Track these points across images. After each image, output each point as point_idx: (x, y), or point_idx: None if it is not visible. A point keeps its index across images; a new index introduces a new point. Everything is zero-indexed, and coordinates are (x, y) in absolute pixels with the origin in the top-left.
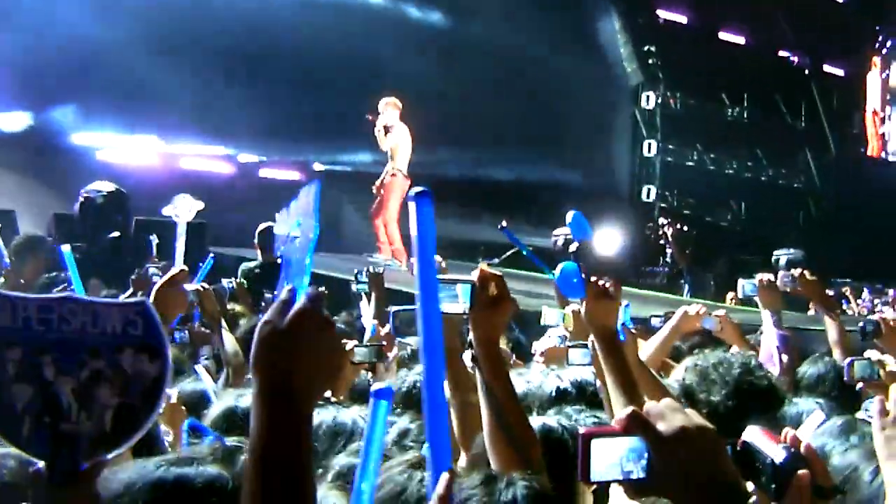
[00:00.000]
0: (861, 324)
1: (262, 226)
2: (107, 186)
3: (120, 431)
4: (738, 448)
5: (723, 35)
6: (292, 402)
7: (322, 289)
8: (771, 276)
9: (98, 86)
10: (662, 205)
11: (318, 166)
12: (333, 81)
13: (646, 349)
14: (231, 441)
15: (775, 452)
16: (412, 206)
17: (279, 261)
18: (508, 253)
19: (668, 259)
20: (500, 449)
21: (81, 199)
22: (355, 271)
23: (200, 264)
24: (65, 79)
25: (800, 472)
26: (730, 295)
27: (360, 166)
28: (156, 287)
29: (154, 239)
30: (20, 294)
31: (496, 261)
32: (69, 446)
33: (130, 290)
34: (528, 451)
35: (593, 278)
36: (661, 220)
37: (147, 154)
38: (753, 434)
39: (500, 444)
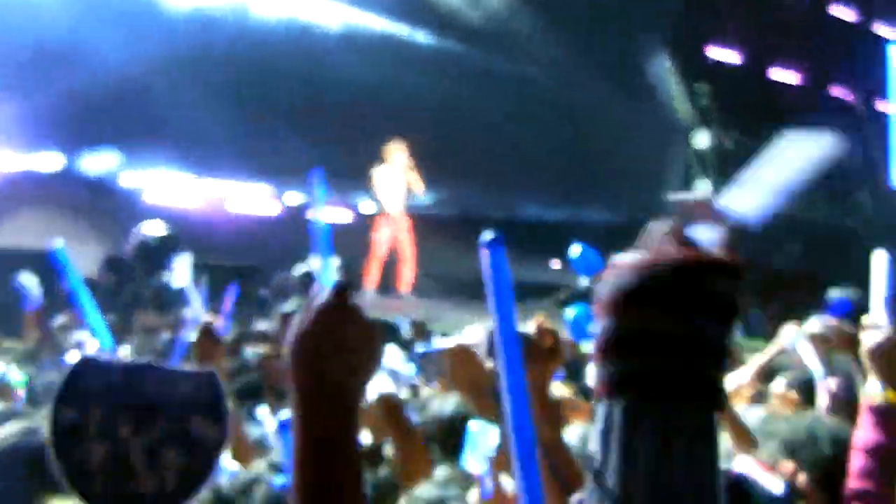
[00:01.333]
0: None
1: (303, 269)
2: (159, 228)
3: (180, 492)
4: (732, 482)
5: (774, 73)
6: (332, 402)
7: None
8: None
9: (146, 127)
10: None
11: (364, 208)
12: (380, 121)
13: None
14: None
15: (773, 485)
16: (485, 252)
17: None
18: (561, 295)
19: None
20: (554, 498)
21: (134, 241)
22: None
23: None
24: (115, 120)
25: None
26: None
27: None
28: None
29: (201, 281)
30: (110, 358)
31: (547, 303)
32: None
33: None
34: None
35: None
36: None
37: (194, 195)
38: (747, 465)
39: (553, 493)
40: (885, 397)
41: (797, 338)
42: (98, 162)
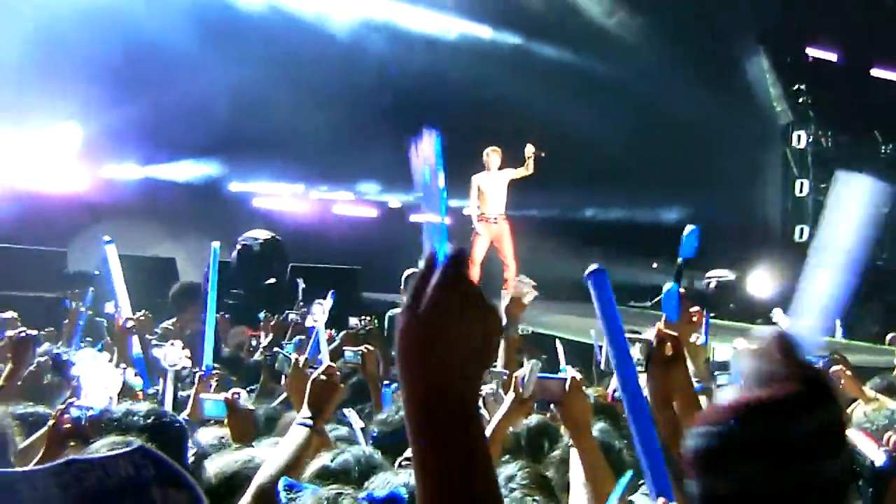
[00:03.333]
0: None
1: (409, 271)
2: (263, 234)
3: None
4: None
5: (875, 72)
6: (454, 403)
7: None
8: None
9: (253, 136)
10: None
11: (468, 211)
12: (474, 123)
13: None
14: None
15: (876, 455)
16: (590, 283)
17: None
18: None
19: None
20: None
21: (239, 246)
22: None
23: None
24: (223, 130)
25: None
26: (890, 336)
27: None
28: (311, 379)
29: (301, 283)
30: (19, 471)
31: (648, 304)
32: None
33: (271, 336)
34: None
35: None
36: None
37: (300, 200)
38: (857, 437)
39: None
40: None
41: None
42: (205, 170)
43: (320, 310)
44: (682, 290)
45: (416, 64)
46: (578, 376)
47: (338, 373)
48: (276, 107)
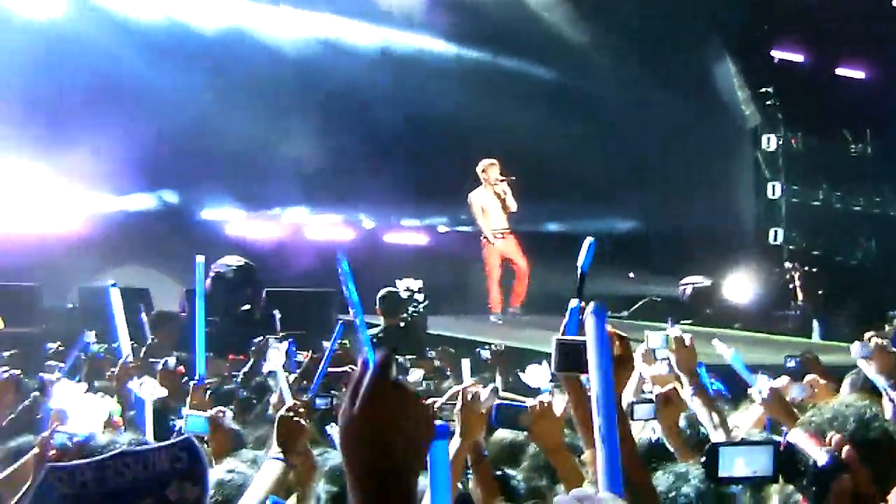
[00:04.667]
0: None
1: (383, 291)
2: (236, 261)
3: None
4: (782, 449)
5: (840, 71)
6: (391, 490)
7: (386, 352)
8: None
9: (223, 162)
10: (791, 247)
11: (442, 228)
12: (451, 143)
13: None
14: None
15: (818, 455)
16: (591, 320)
17: (402, 325)
18: (637, 306)
19: (798, 302)
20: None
21: (212, 274)
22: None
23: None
24: (193, 158)
25: (842, 476)
26: (868, 335)
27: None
28: (278, 417)
29: (277, 314)
30: (77, 462)
31: (625, 314)
32: None
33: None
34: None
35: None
36: (788, 264)
37: (273, 226)
38: (798, 436)
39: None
40: None
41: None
42: (177, 198)
43: (276, 353)
44: (583, 305)
45: (397, 85)
46: (547, 399)
47: (301, 411)
48: (248, 132)
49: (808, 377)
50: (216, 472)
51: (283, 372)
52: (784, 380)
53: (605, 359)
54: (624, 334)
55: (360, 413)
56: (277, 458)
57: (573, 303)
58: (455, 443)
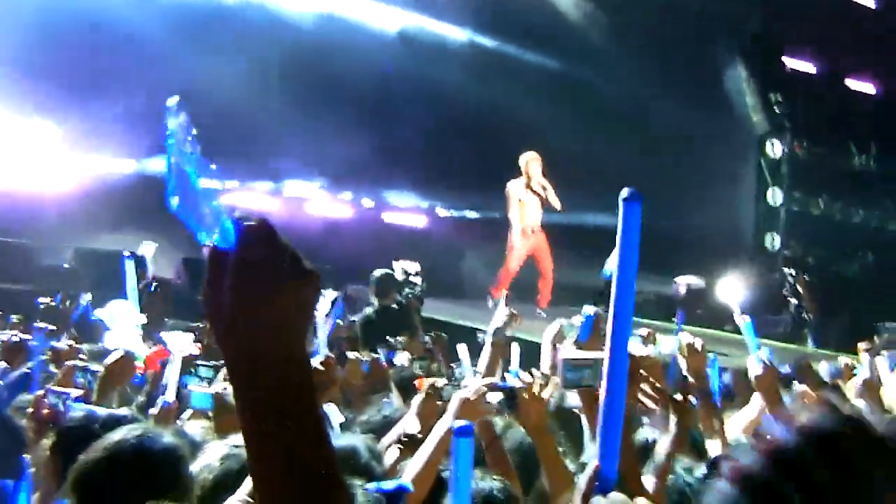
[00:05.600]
0: None
1: (378, 272)
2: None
3: None
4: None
5: (850, 83)
6: (276, 372)
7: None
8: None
9: (226, 132)
10: (787, 254)
11: (441, 212)
12: (457, 128)
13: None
14: None
15: None
16: (623, 206)
17: (395, 306)
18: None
19: (791, 309)
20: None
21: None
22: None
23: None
24: (197, 126)
25: None
26: (862, 346)
27: (482, 213)
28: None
29: None
30: None
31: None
32: None
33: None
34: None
35: None
36: (787, 270)
37: (273, 199)
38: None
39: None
40: None
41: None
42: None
43: (323, 301)
44: (599, 313)
45: (404, 68)
46: (529, 379)
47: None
48: (252, 104)
49: (800, 388)
50: (219, 447)
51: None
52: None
53: (629, 252)
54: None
55: (230, 279)
56: None
57: (589, 309)
58: (445, 420)
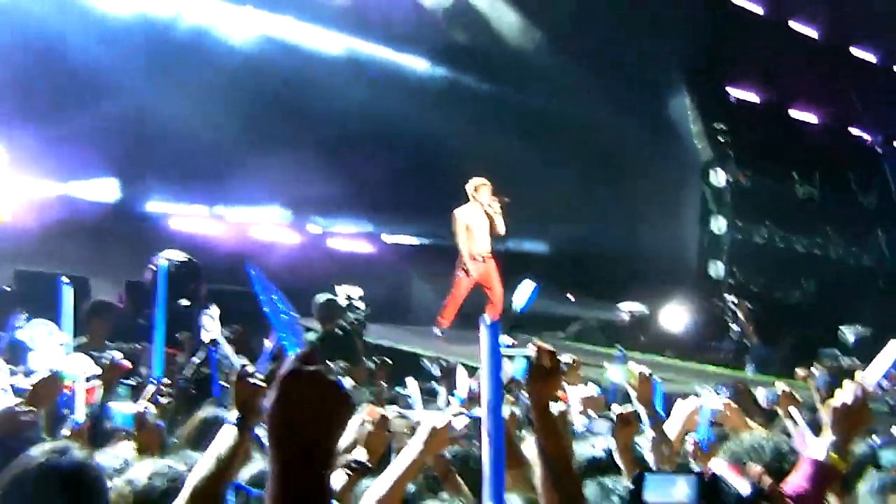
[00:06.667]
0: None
1: (321, 297)
2: (178, 255)
3: None
4: (707, 479)
5: (794, 113)
6: (304, 467)
7: (312, 340)
8: (787, 388)
9: (172, 156)
10: (731, 281)
11: (386, 238)
12: (402, 154)
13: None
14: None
15: (741, 486)
16: (483, 331)
17: (338, 331)
18: (574, 328)
19: (731, 335)
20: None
21: (153, 267)
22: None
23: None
24: (139, 149)
25: None
26: (799, 372)
27: (428, 239)
28: (234, 382)
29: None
30: None
31: (561, 335)
32: None
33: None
34: None
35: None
36: (728, 297)
37: (217, 223)
38: (721, 466)
39: (553, 501)
40: (829, 456)
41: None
42: (122, 189)
43: (211, 321)
44: (514, 343)
45: (348, 93)
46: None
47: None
48: (197, 127)
49: (723, 399)
50: (148, 464)
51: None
52: (694, 400)
53: (496, 373)
54: (551, 348)
55: (279, 395)
56: (234, 424)
57: (507, 339)
58: (413, 448)
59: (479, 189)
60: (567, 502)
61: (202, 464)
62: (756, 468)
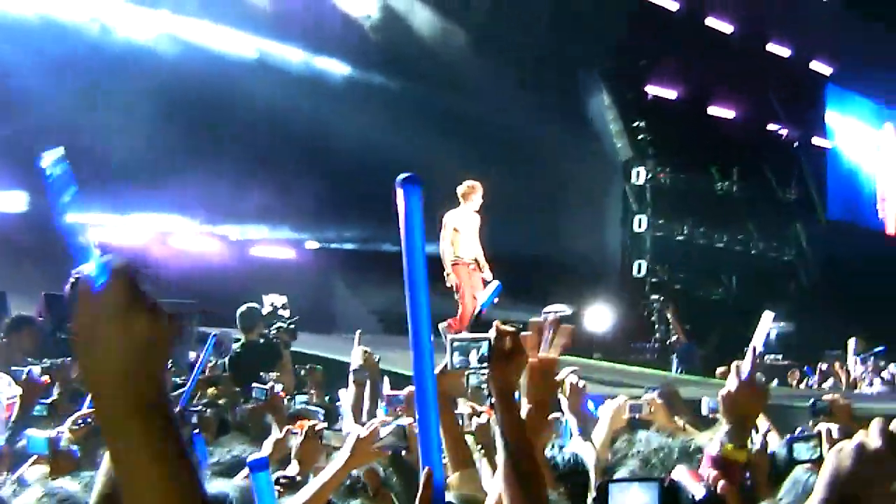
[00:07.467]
0: (812, 401)
1: (243, 307)
2: None
3: None
4: (666, 485)
5: (712, 110)
6: (125, 397)
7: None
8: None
9: (91, 165)
10: (653, 279)
11: (310, 245)
12: (327, 160)
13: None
14: None
15: (696, 490)
16: (400, 192)
17: (262, 340)
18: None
19: (657, 334)
20: (513, 491)
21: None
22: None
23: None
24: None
25: None
26: (720, 370)
27: (352, 244)
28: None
29: None
30: None
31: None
32: None
33: None
34: (539, 494)
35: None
36: (652, 297)
37: (139, 233)
38: (681, 473)
39: (513, 487)
40: (724, 447)
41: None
42: (39, 199)
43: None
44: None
45: (274, 99)
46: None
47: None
48: (120, 137)
49: (646, 397)
50: (38, 489)
51: None
52: (622, 398)
53: (414, 248)
54: (514, 329)
55: (80, 319)
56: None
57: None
58: (341, 458)
59: (471, 191)
60: (528, 487)
61: None
62: (713, 473)
